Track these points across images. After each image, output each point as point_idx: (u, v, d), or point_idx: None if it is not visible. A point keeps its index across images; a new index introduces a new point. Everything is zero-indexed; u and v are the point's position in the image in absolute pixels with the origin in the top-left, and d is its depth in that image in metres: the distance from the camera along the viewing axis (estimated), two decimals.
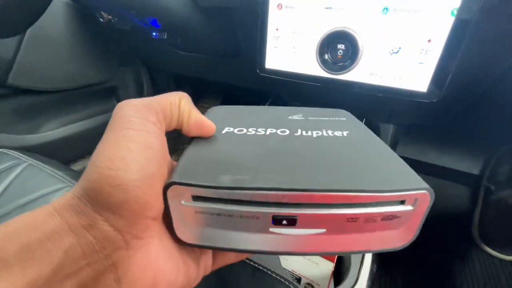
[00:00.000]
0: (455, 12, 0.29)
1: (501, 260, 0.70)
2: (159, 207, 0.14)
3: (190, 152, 0.17)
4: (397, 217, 0.14)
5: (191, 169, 0.15)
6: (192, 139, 0.18)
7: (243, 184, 0.13)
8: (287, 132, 0.19)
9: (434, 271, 0.72)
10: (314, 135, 0.19)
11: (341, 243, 0.15)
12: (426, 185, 0.14)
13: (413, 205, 0.14)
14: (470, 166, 0.80)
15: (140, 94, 1.02)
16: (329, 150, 0.17)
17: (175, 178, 0.14)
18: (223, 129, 0.19)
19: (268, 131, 0.19)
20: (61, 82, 0.75)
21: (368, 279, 0.36)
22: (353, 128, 0.20)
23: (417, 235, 0.15)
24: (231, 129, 0.19)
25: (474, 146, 0.80)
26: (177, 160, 0.17)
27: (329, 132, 0.19)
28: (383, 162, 0.16)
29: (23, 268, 0.11)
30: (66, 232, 0.12)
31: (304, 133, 0.19)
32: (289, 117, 0.22)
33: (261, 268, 0.26)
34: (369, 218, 0.14)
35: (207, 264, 0.18)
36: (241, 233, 0.15)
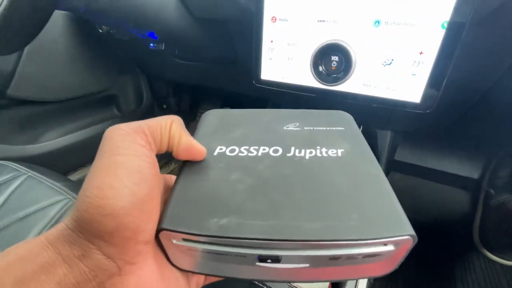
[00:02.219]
0: (446, 25, 0.29)
1: (502, 265, 0.69)
2: (151, 230, 0.14)
3: (180, 187, 0.17)
4: (379, 255, 0.14)
5: (180, 213, 0.15)
6: (183, 165, 0.18)
7: (228, 234, 0.14)
8: (280, 152, 0.19)
9: (435, 276, 0.72)
10: (307, 156, 0.18)
11: (324, 274, 0.15)
12: (410, 231, 0.14)
13: (395, 245, 0.14)
14: (469, 170, 0.80)
15: (139, 102, 1.02)
16: (318, 179, 0.17)
17: (165, 225, 0.14)
18: (215, 149, 0.19)
19: (261, 151, 0.19)
20: (61, 92, 0.76)
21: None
22: (348, 144, 0.19)
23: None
24: (223, 149, 0.19)
25: (473, 150, 0.80)
26: (175, 169, 0.17)
27: (323, 151, 0.19)
28: (370, 196, 0.15)
29: None
30: (59, 263, 0.12)
31: (297, 153, 0.18)
32: (285, 127, 0.21)
33: (257, 282, 0.26)
34: (351, 257, 0.14)
35: (198, 281, 0.18)
36: (230, 265, 0.15)
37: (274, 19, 0.39)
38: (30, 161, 0.62)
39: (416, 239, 0.14)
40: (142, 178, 0.14)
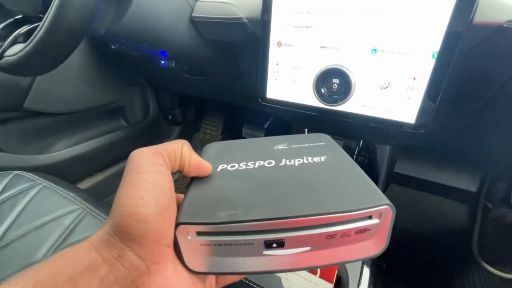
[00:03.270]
0: (435, 55, 0.33)
1: (501, 278, 0.70)
2: (171, 235, 0.17)
3: (192, 193, 0.20)
4: (368, 229, 0.17)
5: (193, 210, 0.18)
6: (192, 179, 0.21)
7: (236, 218, 0.16)
8: (273, 163, 0.22)
9: None
10: (296, 163, 0.21)
11: (325, 257, 0.17)
12: (387, 201, 0.17)
13: (379, 218, 0.17)
14: (467, 183, 0.82)
15: (146, 113, 1.05)
16: (308, 177, 0.20)
17: (181, 219, 0.17)
18: (218, 166, 0.22)
19: (257, 164, 0.22)
20: (73, 105, 0.79)
21: None
22: (330, 152, 0.23)
23: (388, 245, 0.18)
24: (225, 166, 0.22)
25: (472, 164, 0.81)
26: (179, 178, 0.19)
27: (309, 158, 0.22)
28: (352, 184, 0.19)
29: None
30: (101, 263, 0.15)
31: (287, 162, 0.22)
32: (275, 147, 0.25)
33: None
34: (344, 233, 0.17)
35: (211, 284, 0.20)
36: (239, 258, 0.18)
37: (279, 44, 0.42)
38: (42, 170, 0.65)
39: (394, 210, 0.17)
40: (163, 190, 0.17)
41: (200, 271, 0.18)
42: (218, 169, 0.22)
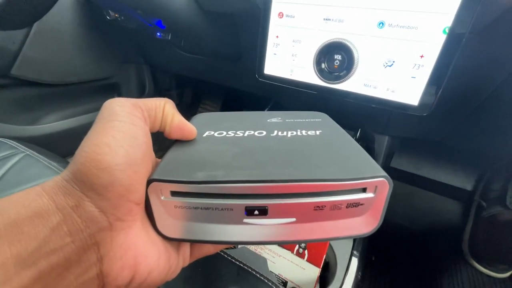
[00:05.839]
0: (447, 31, 0.30)
1: (489, 276, 0.70)
2: (142, 192, 0.15)
3: (171, 153, 0.18)
4: (361, 204, 0.15)
5: (170, 168, 0.16)
6: (174, 142, 0.19)
7: (216, 178, 0.15)
8: (264, 133, 0.20)
9: (422, 284, 0.72)
10: (289, 135, 0.20)
11: (311, 231, 0.16)
12: (384, 173, 0.15)
13: (374, 192, 0.15)
14: (463, 181, 0.81)
15: (141, 92, 1.03)
16: (300, 146, 0.18)
17: (155, 176, 0.15)
18: (204, 133, 0.20)
19: (246, 133, 0.20)
20: (64, 76, 0.76)
21: (353, 285, 0.36)
22: (326, 127, 0.21)
23: (381, 223, 0.16)
24: (212, 133, 0.20)
25: (468, 162, 0.81)
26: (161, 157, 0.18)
27: (303, 132, 0.20)
28: (348, 155, 0.17)
29: (10, 241, 0.12)
30: (53, 211, 0.13)
31: (279, 133, 0.20)
32: (268, 120, 0.23)
33: (246, 267, 0.27)
34: (334, 205, 0.15)
35: (185, 255, 0.19)
36: (217, 225, 0.16)
37: (281, 14, 0.39)
38: (29, 142, 0.62)
39: (392, 184, 0.15)
40: (136, 143, 0.15)
41: (172, 237, 0.16)
42: (204, 135, 0.20)
